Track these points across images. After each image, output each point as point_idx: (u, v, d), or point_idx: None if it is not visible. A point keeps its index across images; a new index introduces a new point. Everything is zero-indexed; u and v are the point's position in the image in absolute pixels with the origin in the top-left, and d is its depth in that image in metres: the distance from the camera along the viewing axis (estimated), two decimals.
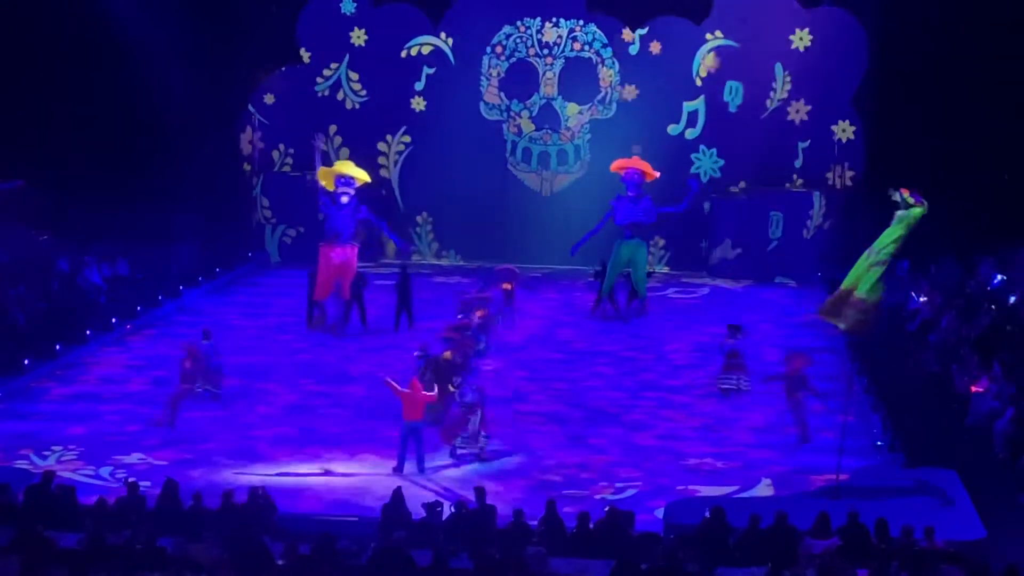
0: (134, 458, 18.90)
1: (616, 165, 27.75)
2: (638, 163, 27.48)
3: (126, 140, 30.56)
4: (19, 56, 30.50)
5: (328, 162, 28.07)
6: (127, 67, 29.87)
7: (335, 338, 25.23)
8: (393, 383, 18.81)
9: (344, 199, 25.70)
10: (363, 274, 26.09)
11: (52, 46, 30.47)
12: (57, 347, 23.48)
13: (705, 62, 31.88)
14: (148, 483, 16.77)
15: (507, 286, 25.73)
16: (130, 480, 16.30)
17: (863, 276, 17.49)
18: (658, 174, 27.28)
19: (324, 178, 26.06)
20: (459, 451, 19.04)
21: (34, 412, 20.92)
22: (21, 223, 28.51)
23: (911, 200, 17.48)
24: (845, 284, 17.73)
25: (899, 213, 17.54)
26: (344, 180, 25.71)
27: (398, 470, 18.39)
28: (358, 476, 18.38)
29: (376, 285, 26.76)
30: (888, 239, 17.44)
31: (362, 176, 25.99)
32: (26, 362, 22.57)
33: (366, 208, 26.11)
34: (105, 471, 18.40)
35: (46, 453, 19.02)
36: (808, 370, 20.05)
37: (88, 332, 24.60)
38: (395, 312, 25.96)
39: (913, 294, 26.18)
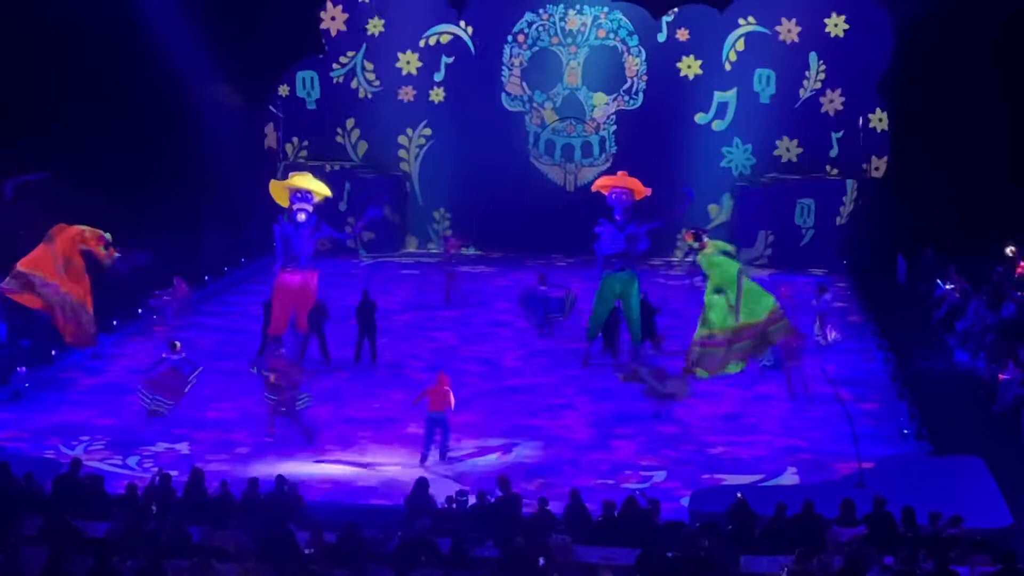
0: (161, 447, 19.02)
1: (599, 184, 24.03)
2: (626, 181, 23.47)
3: (152, 131, 30.63)
4: (46, 48, 30.61)
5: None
6: (154, 58, 29.93)
7: None
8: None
9: (301, 216, 22.31)
10: (323, 303, 23.11)
11: (79, 38, 30.54)
12: None
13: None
14: (175, 472, 16.84)
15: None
16: (163, 471, 16.37)
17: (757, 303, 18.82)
18: (649, 191, 23.33)
19: (277, 193, 22.85)
20: None
21: (62, 402, 21.03)
22: (48, 214, 28.57)
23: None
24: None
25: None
26: (301, 195, 22.41)
27: (423, 460, 18.41)
28: (385, 467, 18.40)
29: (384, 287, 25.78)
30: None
31: (321, 190, 22.80)
32: (54, 352, 22.67)
33: (326, 224, 22.97)
34: (132, 460, 18.51)
35: (74, 443, 19.14)
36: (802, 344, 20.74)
37: (115, 322, 24.69)
38: (356, 342, 23.28)
39: (939, 281, 26.05)
